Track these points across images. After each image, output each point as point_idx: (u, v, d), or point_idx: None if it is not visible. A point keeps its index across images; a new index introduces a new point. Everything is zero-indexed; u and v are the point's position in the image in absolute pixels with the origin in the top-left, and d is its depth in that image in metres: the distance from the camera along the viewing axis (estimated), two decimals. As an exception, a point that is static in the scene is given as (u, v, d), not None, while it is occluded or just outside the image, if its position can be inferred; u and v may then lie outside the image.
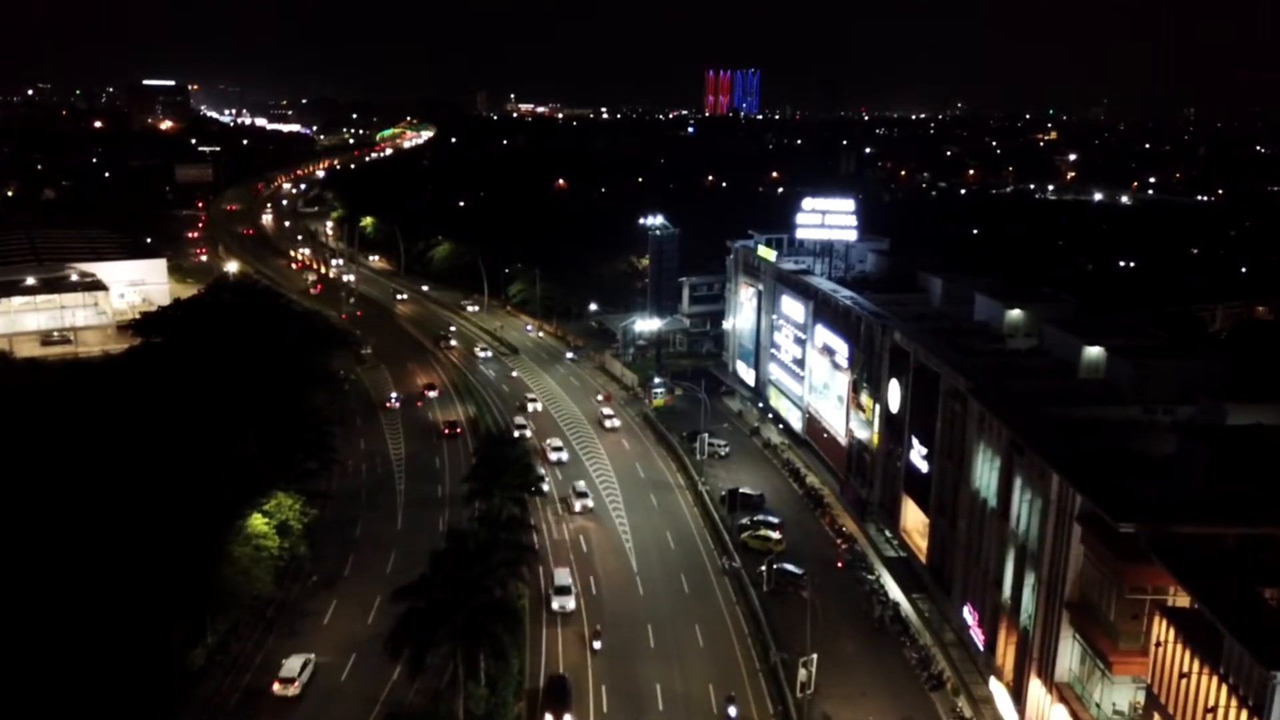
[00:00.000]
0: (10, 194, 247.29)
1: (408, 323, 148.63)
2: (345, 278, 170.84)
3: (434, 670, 50.81)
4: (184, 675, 53.60)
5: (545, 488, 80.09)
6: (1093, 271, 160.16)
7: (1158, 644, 36.27)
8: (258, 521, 59.96)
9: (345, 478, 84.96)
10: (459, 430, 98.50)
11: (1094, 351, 57.85)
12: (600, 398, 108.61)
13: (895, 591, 65.36)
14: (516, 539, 57.56)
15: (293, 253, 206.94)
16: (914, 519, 68.48)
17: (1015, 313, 68.47)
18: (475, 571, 48.94)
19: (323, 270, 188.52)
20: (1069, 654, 44.67)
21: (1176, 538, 38.02)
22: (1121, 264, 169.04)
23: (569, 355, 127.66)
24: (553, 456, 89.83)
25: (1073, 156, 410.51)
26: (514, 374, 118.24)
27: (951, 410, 59.23)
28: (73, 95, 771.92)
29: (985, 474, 54.10)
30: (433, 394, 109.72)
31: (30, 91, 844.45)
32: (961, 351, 62.99)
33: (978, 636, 55.11)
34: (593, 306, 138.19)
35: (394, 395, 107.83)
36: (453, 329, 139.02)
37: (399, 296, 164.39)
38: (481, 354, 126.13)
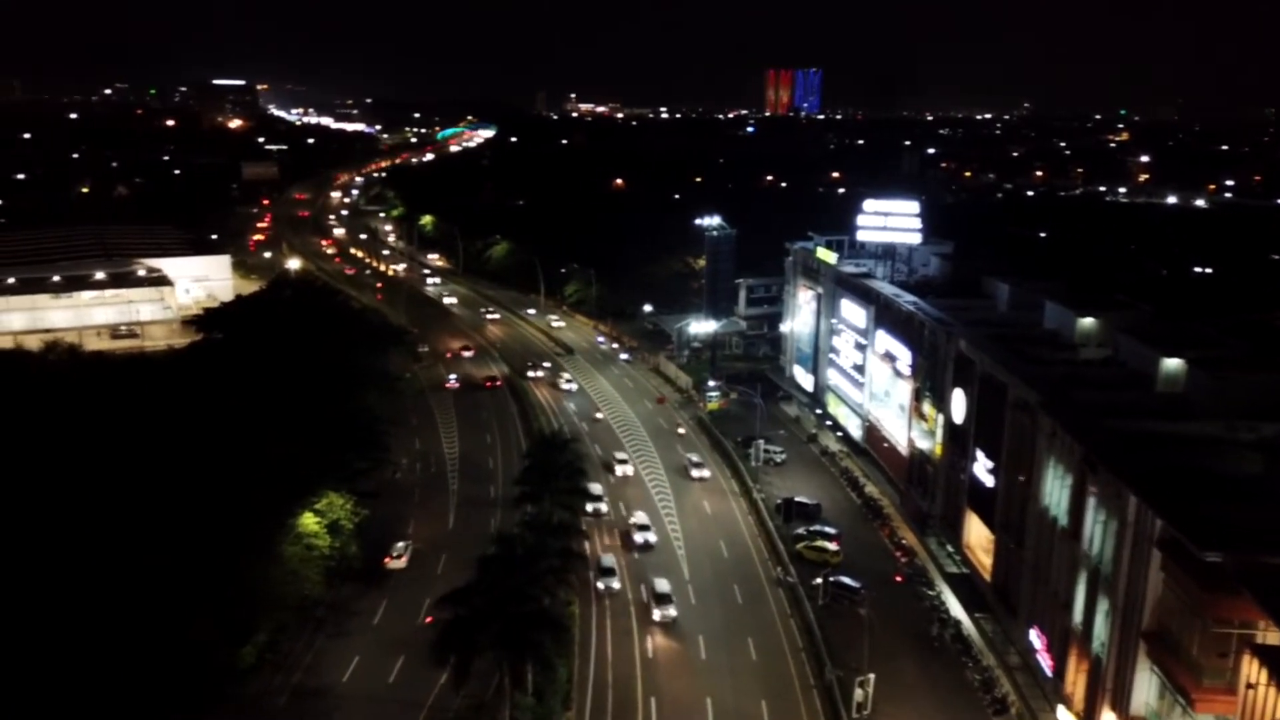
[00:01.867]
0: (85, 190, 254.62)
1: (496, 349, 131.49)
2: (445, 300, 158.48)
3: (481, 676, 50.13)
4: (233, 673, 53.67)
5: (615, 585, 65.89)
6: (1166, 277, 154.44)
7: (1249, 686, 33.75)
8: (309, 520, 59.97)
9: (398, 476, 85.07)
10: (498, 383, 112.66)
11: (1172, 363, 54.89)
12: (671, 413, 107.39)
13: (957, 609, 62.92)
14: (565, 545, 56.49)
15: (325, 241, 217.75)
16: (978, 534, 65.87)
17: (1087, 321, 65.64)
18: (521, 579, 48.02)
19: (360, 256, 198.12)
20: (1146, 686, 42.11)
21: (1267, 568, 35.42)
22: (1197, 269, 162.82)
23: (623, 356, 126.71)
24: (639, 538, 72.56)
25: (1145, 158, 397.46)
26: (598, 416, 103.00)
27: (1019, 423, 56.69)
28: (147, 94, 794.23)
29: (1055, 491, 51.56)
30: (468, 354, 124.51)
31: (108, 91, 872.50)
32: (1030, 361, 60.48)
33: (1045, 661, 52.59)
34: (647, 308, 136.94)
35: (452, 376, 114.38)
36: (547, 365, 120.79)
37: (489, 315, 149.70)
38: (566, 386, 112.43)
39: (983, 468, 63.04)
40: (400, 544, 69.76)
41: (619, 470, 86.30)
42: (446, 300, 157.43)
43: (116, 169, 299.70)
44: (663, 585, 64.60)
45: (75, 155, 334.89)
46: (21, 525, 51.60)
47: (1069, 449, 49.43)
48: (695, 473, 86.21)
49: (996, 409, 60.07)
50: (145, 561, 50.36)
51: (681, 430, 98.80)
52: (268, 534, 56.91)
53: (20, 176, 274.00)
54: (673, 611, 62.48)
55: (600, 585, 65.69)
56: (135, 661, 46.08)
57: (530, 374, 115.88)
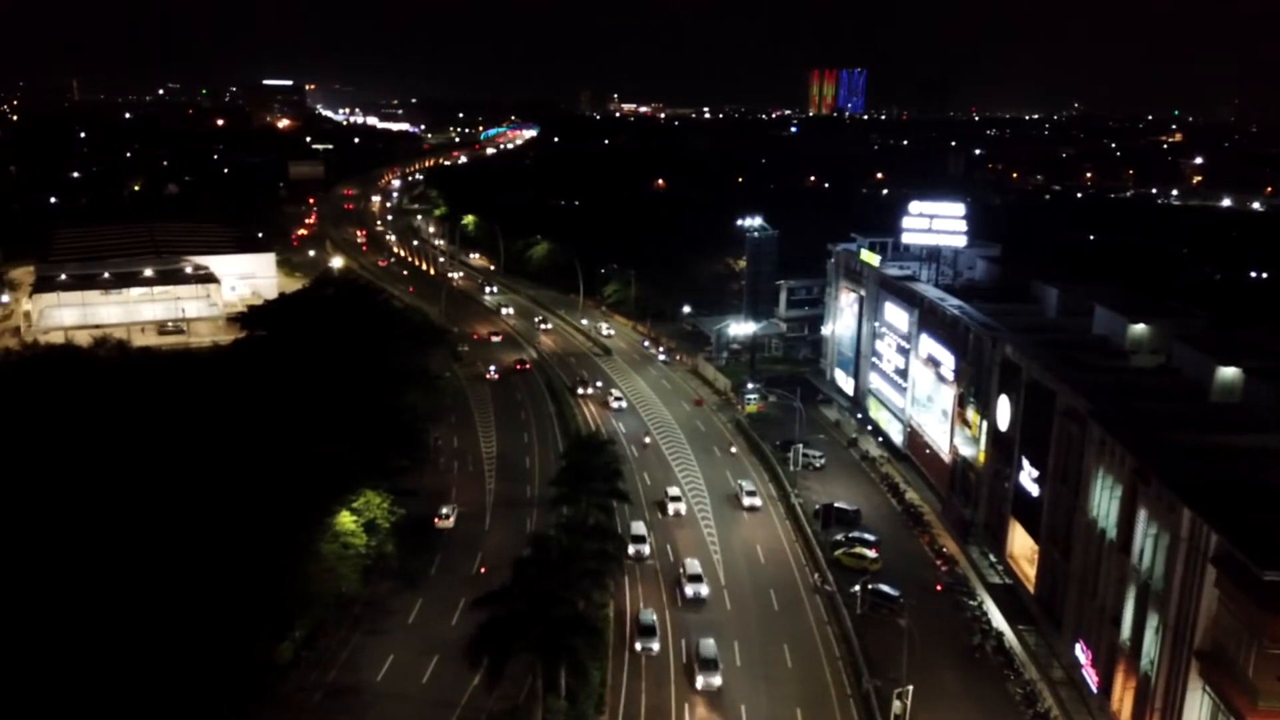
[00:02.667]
0: (136, 188, 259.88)
1: (548, 359, 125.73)
2: (503, 310, 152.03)
3: (514, 678, 49.89)
4: (270, 670, 53.99)
5: (654, 647, 58.15)
6: (1220, 281, 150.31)
7: (1309, 711, 32.38)
8: (346, 519, 60.17)
9: (436, 475, 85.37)
10: (527, 366, 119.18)
11: (1229, 372, 53.23)
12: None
13: (999, 620, 61.46)
14: (601, 548, 56.00)
15: (360, 232, 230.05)
16: (1022, 544, 64.33)
17: (1139, 327, 64.01)
18: (556, 582, 47.68)
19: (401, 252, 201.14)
20: (1198, 707, 40.66)
21: (1329, 588, 33.97)
22: (1253, 274, 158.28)
23: (661, 358, 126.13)
24: (690, 591, 64.58)
25: (1199, 160, 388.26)
26: (647, 440, 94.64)
27: (1068, 432, 55.22)
28: (199, 95, 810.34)
29: (1104, 503, 50.08)
30: (496, 339, 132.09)
31: (160, 91, 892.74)
32: (1080, 368, 58.91)
33: (1091, 677, 51.13)
34: (686, 309, 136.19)
35: (492, 367, 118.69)
36: (598, 383, 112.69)
37: (543, 326, 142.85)
38: (616, 404, 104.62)
39: (1028, 476, 61.58)
40: (446, 508, 76.15)
41: (672, 509, 77.21)
42: (504, 311, 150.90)
43: (167, 167, 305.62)
44: (709, 647, 56.70)
45: (129, 154, 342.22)
46: (65, 520, 52.31)
47: (1120, 460, 47.96)
48: (747, 500, 79.26)
49: (1044, 417, 58.62)
50: (187, 557, 50.82)
51: (734, 450, 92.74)
52: (306, 531, 57.19)
53: (75, 175, 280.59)
54: (718, 680, 54.72)
55: (638, 646, 58.07)
56: (174, 655, 46.47)
57: (580, 390, 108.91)
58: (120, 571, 49.04)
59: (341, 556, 58.26)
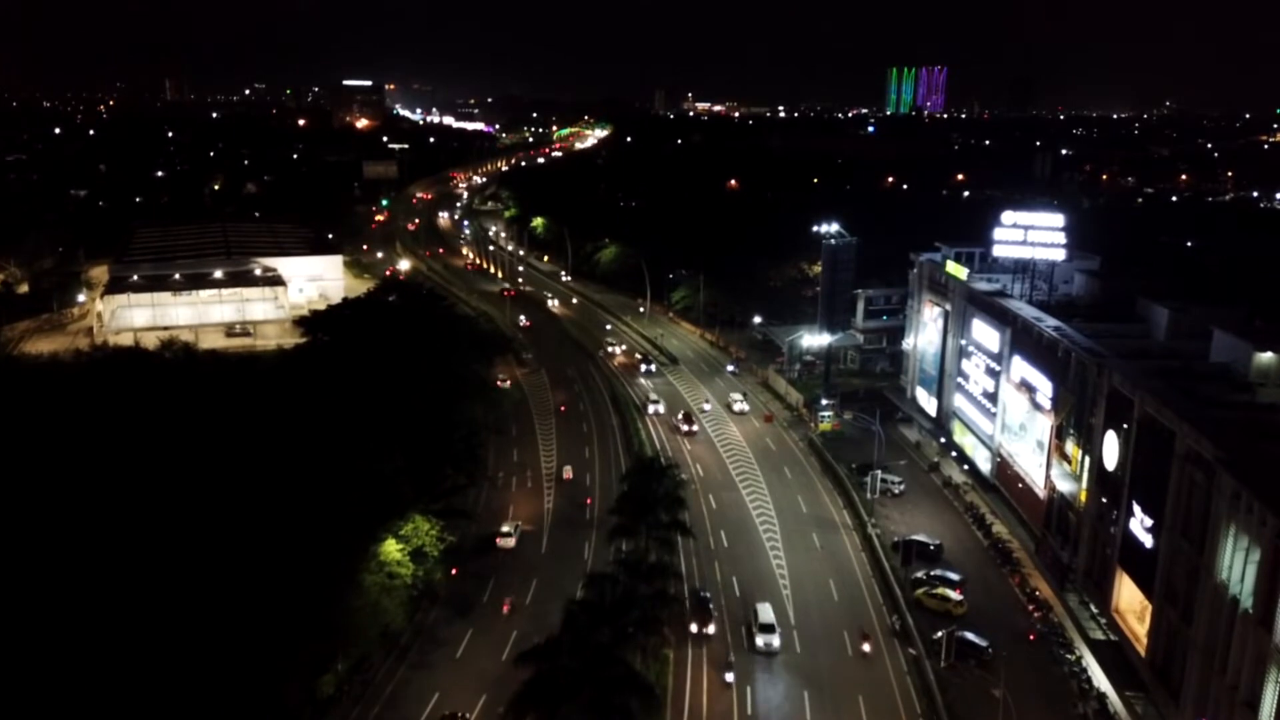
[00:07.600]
0: (217, 187, 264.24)
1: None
2: (651, 398, 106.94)
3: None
4: (312, 704, 51.22)
5: None
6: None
7: None
8: (391, 547, 56.95)
9: (494, 492, 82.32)
10: (512, 293, 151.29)
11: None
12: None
13: (1102, 681, 55.27)
14: (661, 589, 51.74)
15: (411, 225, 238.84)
16: (1130, 598, 57.77)
17: (1267, 356, 57.38)
18: (609, 634, 43.48)
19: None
20: (1357, 822, 34.54)
21: None
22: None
23: (730, 368, 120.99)
24: (760, 641, 58.65)
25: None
26: None
27: (1190, 478, 48.84)
28: (283, 95, 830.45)
29: (1237, 565, 43.75)
30: (471, 269, 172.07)
31: (247, 91, 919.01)
32: (1202, 403, 52.40)
33: (1216, 762, 44.94)
34: (757, 318, 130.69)
35: (522, 317, 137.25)
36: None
37: (688, 428, 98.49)
38: (763, 641, 59.13)
39: (1139, 524, 55.11)
40: (508, 525, 73.02)
41: None
42: (652, 409, 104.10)
43: (248, 166, 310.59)
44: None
45: (212, 153, 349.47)
46: (101, 532, 50.09)
47: (1258, 518, 41.67)
48: None
49: (1160, 458, 52.20)
50: (225, 580, 48.16)
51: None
52: (350, 559, 54.12)
53: (160, 174, 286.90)
54: None
55: None
56: (209, 687, 43.80)
57: (696, 627, 59.93)
58: (154, 591, 46.53)
59: (386, 588, 55.04)
